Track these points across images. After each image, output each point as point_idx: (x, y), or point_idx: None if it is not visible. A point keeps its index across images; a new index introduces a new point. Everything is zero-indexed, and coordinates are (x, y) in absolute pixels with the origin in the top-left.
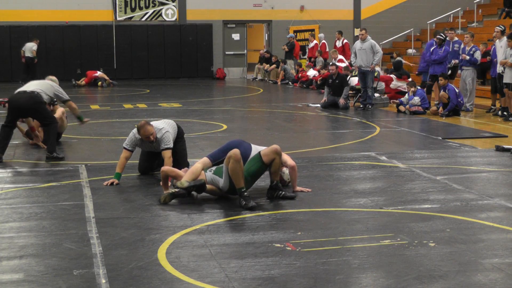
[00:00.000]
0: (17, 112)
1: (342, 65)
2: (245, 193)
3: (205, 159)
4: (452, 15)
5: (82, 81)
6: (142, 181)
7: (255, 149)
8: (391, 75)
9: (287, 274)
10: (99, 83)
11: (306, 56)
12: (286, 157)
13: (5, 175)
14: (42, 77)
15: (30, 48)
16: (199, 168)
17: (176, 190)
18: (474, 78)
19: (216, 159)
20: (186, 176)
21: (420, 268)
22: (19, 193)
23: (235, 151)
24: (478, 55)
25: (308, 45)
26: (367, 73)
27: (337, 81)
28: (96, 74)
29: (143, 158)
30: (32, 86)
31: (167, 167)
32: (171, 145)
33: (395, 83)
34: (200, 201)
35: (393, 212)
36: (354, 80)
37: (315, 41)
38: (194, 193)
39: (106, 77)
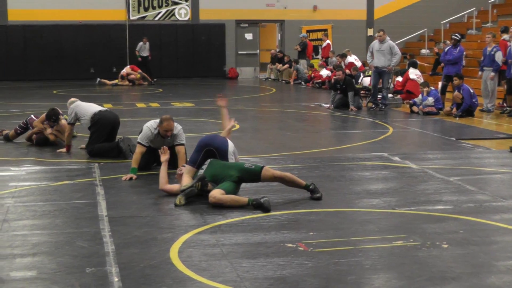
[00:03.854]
0: (111, 128)
1: (358, 63)
2: (254, 203)
3: (189, 168)
4: (466, 15)
5: (124, 81)
6: (154, 180)
7: (231, 144)
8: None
9: (299, 274)
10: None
11: (319, 56)
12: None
13: (19, 173)
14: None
15: (145, 48)
16: (189, 177)
17: (184, 190)
18: (495, 79)
19: (197, 162)
20: (183, 183)
21: (432, 270)
22: (32, 191)
23: (211, 198)
24: (498, 56)
25: (321, 45)
26: (383, 73)
27: (344, 86)
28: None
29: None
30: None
31: (164, 187)
32: (185, 142)
33: (413, 71)
34: None
35: (405, 213)
36: (366, 81)
37: (327, 41)
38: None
39: (134, 74)
